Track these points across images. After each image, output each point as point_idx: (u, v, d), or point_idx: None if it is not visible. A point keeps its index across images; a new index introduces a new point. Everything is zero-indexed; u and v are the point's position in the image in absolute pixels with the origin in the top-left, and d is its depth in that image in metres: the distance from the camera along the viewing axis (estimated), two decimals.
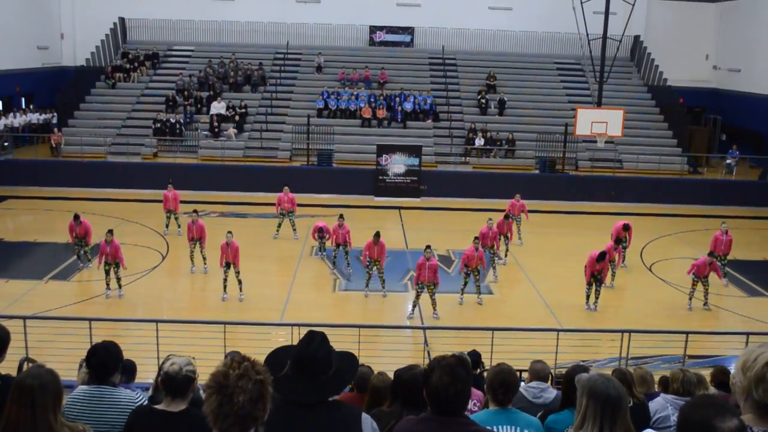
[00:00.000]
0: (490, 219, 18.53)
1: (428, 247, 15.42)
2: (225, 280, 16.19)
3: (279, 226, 21.00)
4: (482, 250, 16.64)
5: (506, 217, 19.43)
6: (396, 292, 17.19)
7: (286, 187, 20.97)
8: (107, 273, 15.98)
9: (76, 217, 17.72)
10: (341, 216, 18.36)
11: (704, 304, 16.44)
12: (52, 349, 10.53)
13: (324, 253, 19.38)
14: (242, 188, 26.11)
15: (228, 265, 16.10)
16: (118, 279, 16.11)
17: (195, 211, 18.17)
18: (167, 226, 20.95)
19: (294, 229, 20.91)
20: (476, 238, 16.54)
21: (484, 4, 34.95)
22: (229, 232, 16.18)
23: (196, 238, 17.56)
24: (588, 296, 16.12)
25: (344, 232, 17.89)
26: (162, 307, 16.00)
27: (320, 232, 18.91)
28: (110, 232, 16.02)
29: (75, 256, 18.22)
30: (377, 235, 16.62)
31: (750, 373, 2.73)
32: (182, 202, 21.16)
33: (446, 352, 3.57)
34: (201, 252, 17.69)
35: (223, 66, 32.61)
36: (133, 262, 17.40)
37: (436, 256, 18.24)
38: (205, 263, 17.77)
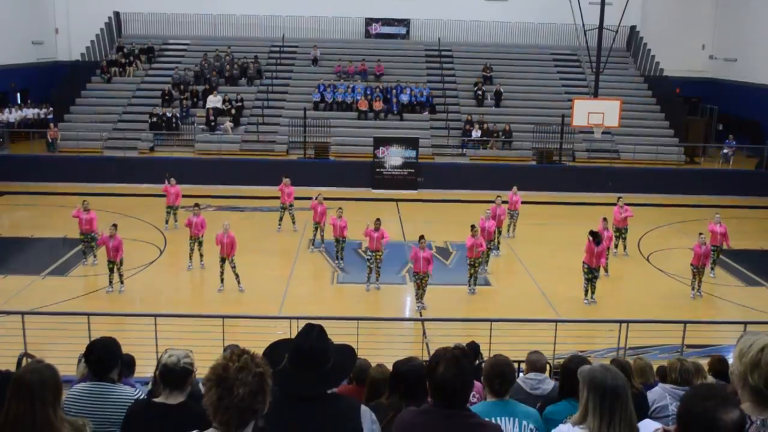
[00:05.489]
0: (488, 211, 18.58)
1: (422, 237, 15.46)
2: (222, 273, 16.30)
3: (280, 219, 21.05)
4: (482, 239, 16.65)
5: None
6: (393, 284, 17.20)
7: (286, 179, 20.95)
8: (111, 271, 16.03)
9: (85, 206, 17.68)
10: (340, 209, 18.35)
11: (697, 290, 16.58)
12: (50, 344, 10.53)
13: (323, 245, 19.40)
14: (239, 182, 26.09)
15: (223, 260, 16.20)
16: (120, 275, 16.18)
17: (197, 205, 18.08)
18: (167, 222, 20.93)
19: (293, 222, 20.98)
20: (473, 226, 16.54)
21: None
22: (226, 223, 16.33)
23: (195, 235, 17.47)
24: (586, 290, 16.14)
25: (342, 225, 17.88)
26: (160, 302, 15.99)
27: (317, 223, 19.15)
28: (114, 226, 16.08)
29: (80, 249, 18.11)
30: (378, 222, 16.63)
31: (745, 359, 2.76)
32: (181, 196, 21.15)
33: (445, 344, 3.57)
34: (199, 249, 17.68)
35: (219, 59, 32.51)
36: (130, 257, 17.36)
37: (434, 247, 18.32)
38: (201, 260, 17.77)
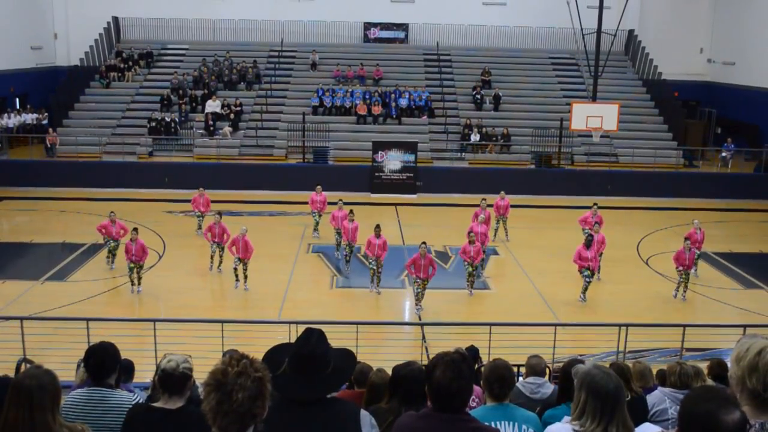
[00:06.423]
0: (481, 216, 18.66)
1: (423, 243, 15.49)
2: (236, 270, 16.52)
3: (317, 224, 20.92)
4: (478, 244, 16.74)
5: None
6: (393, 289, 17.21)
7: (318, 186, 20.82)
8: (131, 271, 16.13)
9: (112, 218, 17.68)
10: (351, 212, 18.37)
11: (682, 293, 16.61)
12: (49, 349, 10.52)
13: (320, 251, 19.43)
14: (238, 187, 26.06)
15: (239, 259, 16.40)
16: (139, 277, 16.29)
17: (219, 213, 18.24)
18: (200, 227, 20.77)
19: (315, 229, 20.89)
20: (470, 232, 16.64)
21: (478, 0, 34.94)
22: (244, 228, 16.60)
23: (218, 240, 17.57)
24: (585, 288, 16.22)
25: (353, 228, 17.92)
26: (159, 307, 15.99)
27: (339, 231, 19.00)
28: (135, 230, 16.30)
29: (105, 254, 18.11)
30: (377, 228, 16.65)
31: (743, 362, 2.76)
32: (177, 201, 21.12)
33: (445, 348, 3.57)
34: (220, 254, 17.76)
35: (218, 64, 32.53)
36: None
37: (433, 251, 18.32)
38: (220, 265, 17.78)
